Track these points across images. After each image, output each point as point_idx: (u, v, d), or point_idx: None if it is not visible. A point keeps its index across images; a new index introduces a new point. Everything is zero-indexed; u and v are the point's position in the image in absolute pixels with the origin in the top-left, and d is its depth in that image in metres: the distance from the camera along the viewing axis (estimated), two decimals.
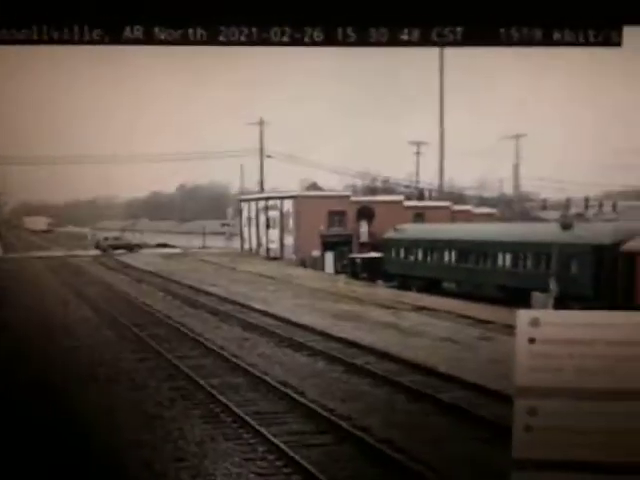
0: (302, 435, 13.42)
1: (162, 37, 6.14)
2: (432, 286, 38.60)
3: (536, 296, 29.79)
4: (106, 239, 69.92)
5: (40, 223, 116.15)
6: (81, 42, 6.28)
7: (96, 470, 11.71)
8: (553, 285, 29.06)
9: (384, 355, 20.17)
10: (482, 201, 67.67)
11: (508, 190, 65.55)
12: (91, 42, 6.28)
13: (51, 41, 6.29)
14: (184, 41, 6.21)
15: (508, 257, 34.13)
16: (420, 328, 25.39)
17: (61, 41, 6.28)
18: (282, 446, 12.51)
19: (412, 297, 35.47)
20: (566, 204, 50.25)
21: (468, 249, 37.02)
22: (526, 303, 30.26)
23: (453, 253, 38.27)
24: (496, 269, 34.82)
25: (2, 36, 6.19)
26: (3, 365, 18.74)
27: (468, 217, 55.05)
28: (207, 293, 35.38)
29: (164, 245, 76.34)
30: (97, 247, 68.88)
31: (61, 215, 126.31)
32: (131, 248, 67.95)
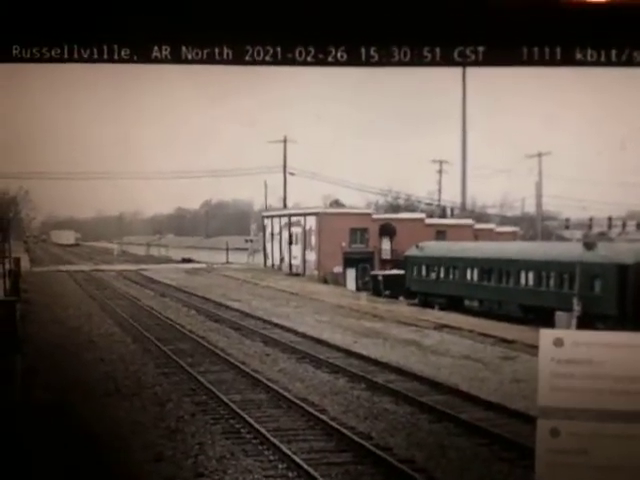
0: (322, 453, 13.41)
1: (189, 56, 6.25)
2: (454, 304, 38.43)
3: (559, 316, 29.58)
4: None
5: (68, 237, 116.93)
6: (110, 61, 6.39)
7: None
8: (576, 305, 28.85)
9: (406, 373, 20.11)
10: (504, 220, 67.32)
11: (530, 209, 65.12)
12: (120, 61, 6.38)
13: (80, 59, 6.39)
14: (211, 60, 6.31)
15: (531, 276, 33.90)
16: (442, 346, 25.28)
17: (90, 60, 6.38)
18: (302, 464, 12.51)
19: (434, 315, 35.31)
20: (589, 223, 49.86)
21: (490, 267, 36.84)
22: (549, 323, 30.05)
23: (475, 271, 38.10)
24: (519, 288, 34.60)
25: (33, 54, 6.31)
26: (27, 378, 18.89)
27: (490, 235, 54.77)
28: (230, 308, 35.48)
29: (188, 260, 76.82)
30: None
31: (88, 229, 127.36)
32: None
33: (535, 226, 60.12)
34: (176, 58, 6.29)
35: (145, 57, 6.35)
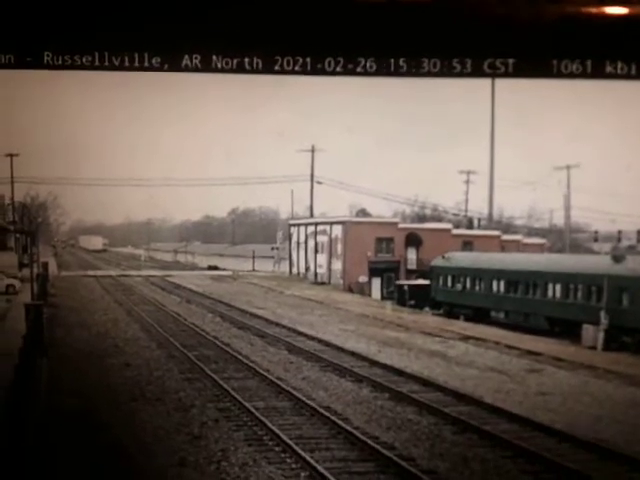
0: (345, 462, 13.36)
1: (219, 65, 6.30)
2: (480, 315, 38.21)
3: (587, 329, 29.30)
4: None
5: (96, 242, 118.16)
6: (141, 69, 6.44)
7: None
8: (604, 318, 28.55)
9: (430, 384, 20.02)
10: (532, 231, 66.98)
11: (559, 221, 64.71)
12: (151, 69, 6.43)
13: (111, 67, 6.44)
14: (240, 70, 6.34)
15: (558, 288, 33.61)
16: (467, 358, 25.14)
17: (121, 67, 6.44)
18: (325, 472, 12.49)
19: (459, 326, 35.15)
20: (618, 236, 49.47)
21: (517, 279, 36.59)
22: (576, 335, 29.78)
23: (502, 283, 37.86)
24: (546, 300, 34.32)
25: (64, 61, 6.38)
26: (52, 381, 19.08)
27: (517, 247, 54.46)
28: (254, 316, 35.59)
29: (215, 267, 77.26)
30: None
31: (116, 235, 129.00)
32: None
33: (563, 238, 59.70)
34: (206, 67, 6.34)
35: (175, 65, 6.40)
